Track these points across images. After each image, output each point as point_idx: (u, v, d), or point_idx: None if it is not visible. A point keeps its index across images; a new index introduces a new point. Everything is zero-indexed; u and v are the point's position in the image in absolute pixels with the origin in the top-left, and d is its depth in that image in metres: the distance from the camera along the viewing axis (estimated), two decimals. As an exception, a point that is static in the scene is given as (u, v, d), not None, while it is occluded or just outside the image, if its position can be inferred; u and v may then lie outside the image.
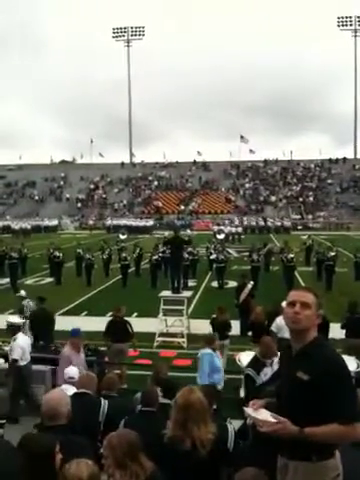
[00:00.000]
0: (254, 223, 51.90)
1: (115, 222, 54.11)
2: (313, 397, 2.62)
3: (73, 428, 3.44)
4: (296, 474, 2.68)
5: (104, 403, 4.46)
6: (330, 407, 2.57)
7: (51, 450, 2.73)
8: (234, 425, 3.98)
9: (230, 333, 10.90)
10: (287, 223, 51.65)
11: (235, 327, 12.64)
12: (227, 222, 49.80)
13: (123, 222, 53.34)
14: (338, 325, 10.35)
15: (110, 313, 15.16)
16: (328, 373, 2.59)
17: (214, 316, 10.80)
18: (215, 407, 4.39)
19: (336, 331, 10.10)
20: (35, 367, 8.12)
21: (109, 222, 54.75)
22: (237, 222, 49.91)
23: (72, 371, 5.88)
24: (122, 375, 9.29)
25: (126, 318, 10.47)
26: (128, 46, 74.52)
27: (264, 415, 2.74)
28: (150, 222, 54.27)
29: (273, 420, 2.66)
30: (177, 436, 3.09)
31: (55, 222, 55.70)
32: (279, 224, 51.68)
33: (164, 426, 3.26)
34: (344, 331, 10.34)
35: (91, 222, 56.85)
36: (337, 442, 2.63)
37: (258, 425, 2.73)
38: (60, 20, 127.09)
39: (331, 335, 9.48)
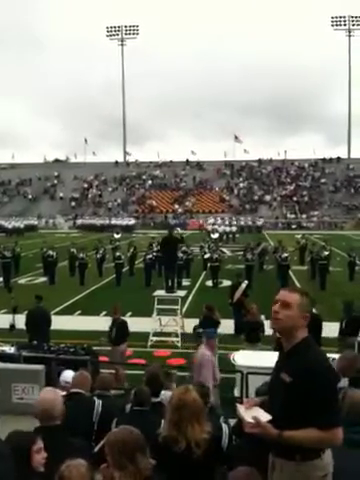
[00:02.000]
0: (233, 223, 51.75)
1: (86, 221, 54.77)
2: (294, 399, 2.61)
3: (67, 428, 3.40)
4: (281, 472, 2.70)
5: (98, 403, 4.43)
6: (310, 411, 2.55)
7: (26, 448, 2.72)
8: (229, 424, 3.97)
9: (223, 332, 10.91)
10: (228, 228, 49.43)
11: (229, 326, 12.67)
12: (219, 221, 49.94)
13: (92, 221, 54.18)
14: (331, 324, 10.36)
15: (104, 312, 15.20)
16: (309, 376, 2.56)
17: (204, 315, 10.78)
18: (210, 406, 4.37)
19: (330, 330, 10.11)
20: (29, 366, 8.07)
21: (80, 221, 55.15)
22: (227, 222, 50.00)
23: (68, 376, 5.74)
24: (121, 375, 9.37)
25: (122, 317, 10.50)
26: (122, 45, 74.43)
27: (256, 413, 2.73)
28: (132, 221, 54.56)
29: (264, 419, 2.66)
30: (172, 436, 3.07)
31: (35, 222, 55.58)
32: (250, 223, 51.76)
33: (157, 425, 3.24)
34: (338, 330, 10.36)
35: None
36: (315, 447, 2.59)
37: (244, 424, 2.74)
38: (54, 19, 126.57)
39: (325, 334, 9.52)
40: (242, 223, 51.69)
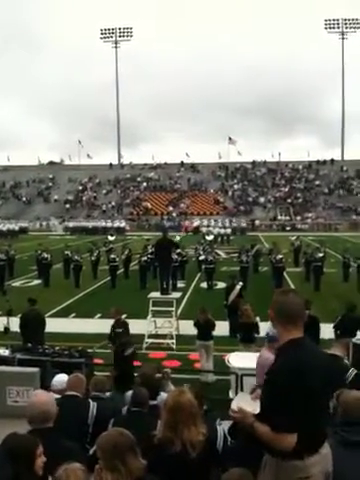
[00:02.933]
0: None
1: (77, 224, 54.92)
2: (263, 396, 2.78)
3: (62, 431, 3.39)
4: (266, 468, 2.77)
5: (93, 405, 4.42)
6: (269, 409, 2.67)
7: (31, 451, 2.70)
8: (224, 426, 3.98)
9: (219, 334, 10.93)
10: (243, 224, 50.97)
11: (224, 328, 12.68)
12: (213, 223, 50.16)
13: (83, 224, 54.40)
14: (325, 325, 10.39)
15: (99, 315, 15.19)
16: (268, 378, 2.71)
17: (198, 318, 10.80)
18: (205, 408, 4.38)
19: (324, 332, 10.14)
20: (24, 369, 8.04)
21: (65, 223, 55.20)
22: (220, 223, 50.16)
23: (61, 380, 5.62)
24: None
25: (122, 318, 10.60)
26: (116, 47, 74.40)
27: (251, 406, 2.91)
28: (123, 223, 54.56)
29: (250, 410, 2.84)
30: (167, 438, 3.07)
31: (26, 224, 55.37)
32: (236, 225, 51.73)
33: (153, 427, 3.24)
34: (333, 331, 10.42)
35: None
36: (268, 445, 2.65)
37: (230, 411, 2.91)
38: (48, 21, 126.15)
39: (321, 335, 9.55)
40: (235, 225, 51.96)
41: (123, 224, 54.04)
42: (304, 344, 2.80)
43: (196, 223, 37.06)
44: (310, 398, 2.63)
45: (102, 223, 54.02)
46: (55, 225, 57.24)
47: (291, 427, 2.57)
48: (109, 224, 53.31)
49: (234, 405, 2.90)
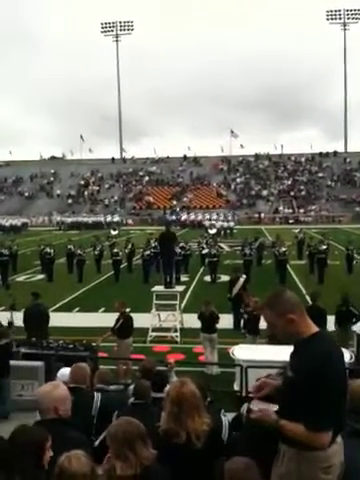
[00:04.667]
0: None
1: (63, 218, 54.96)
2: (291, 395, 2.63)
3: (68, 422, 3.38)
4: (284, 458, 2.71)
5: (97, 397, 4.43)
6: (301, 409, 2.55)
7: (42, 444, 2.69)
8: (228, 417, 3.97)
9: (222, 327, 10.94)
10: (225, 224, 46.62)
11: (228, 321, 12.67)
12: (215, 216, 50.09)
13: (70, 219, 54.40)
14: (329, 317, 10.39)
15: (103, 309, 15.20)
16: (304, 375, 2.54)
17: (202, 310, 10.80)
18: (209, 400, 4.37)
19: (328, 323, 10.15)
20: (28, 363, 8.07)
21: (58, 218, 55.29)
22: (222, 217, 50.03)
23: (66, 373, 5.65)
24: (128, 370, 9.54)
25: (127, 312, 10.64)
26: (117, 41, 74.26)
27: (266, 406, 2.78)
28: (116, 218, 54.56)
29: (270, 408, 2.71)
30: (171, 429, 3.06)
31: (26, 220, 55.33)
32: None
33: (157, 419, 3.24)
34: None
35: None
36: (302, 443, 2.58)
37: (250, 411, 2.77)
38: (49, 15, 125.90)
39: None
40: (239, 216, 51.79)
41: (116, 218, 53.99)
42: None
43: (213, 228, 36.64)
44: (343, 393, 2.62)
45: (98, 218, 54.17)
46: (58, 220, 57.23)
47: (329, 425, 2.53)
48: (102, 218, 53.58)
49: (254, 406, 2.80)
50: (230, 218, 49.56)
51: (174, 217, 53.42)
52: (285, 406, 2.69)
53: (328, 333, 2.79)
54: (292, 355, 2.79)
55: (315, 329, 2.72)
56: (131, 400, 4.39)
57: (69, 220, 54.33)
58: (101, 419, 4.15)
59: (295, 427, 2.57)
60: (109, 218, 53.76)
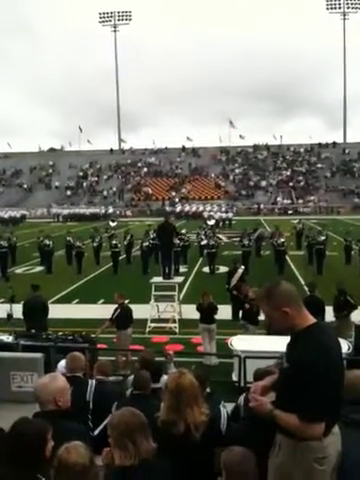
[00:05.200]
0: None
1: (59, 210, 54.92)
2: (286, 385, 2.65)
3: (67, 413, 3.40)
4: (280, 448, 2.74)
5: (91, 382, 4.49)
6: (295, 399, 2.56)
7: (44, 435, 2.70)
8: (227, 408, 4.00)
9: (221, 318, 10.96)
10: (224, 215, 45.94)
11: (227, 312, 12.70)
12: (216, 208, 50.00)
13: (66, 211, 54.31)
14: (327, 308, 10.42)
15: (102, 300, 15.22)
16: (299, 366, 2.56)
17: (200, 301, 10.83)
18: (208, 391, 4.39)
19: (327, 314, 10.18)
20: (27, 355, 8.09)
21: (54, 210, 55.21)
22: (223, 208, 49.95)
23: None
24: (127, 361, 9.57)
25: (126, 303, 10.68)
26: (115, 31, 73.78)
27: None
28: (111, 209, 54.53)
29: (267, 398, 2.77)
30: (170, 419, 3.09)
31: (25, 212, 55.21)
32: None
33: (157, 409, 3.26)
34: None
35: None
36: (295, 434, 2.60)
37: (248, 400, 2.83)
38: (47, 6, 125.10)
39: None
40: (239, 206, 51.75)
41: (111, 210, 53.93)
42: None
43: (211, 219, 36.36)
44: (340, 384, 2.62)
45: (91, 210, 54.14)
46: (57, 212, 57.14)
47: (323, 416, 2.54)
48: (96, 210, 53.53)
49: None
50: (229, 209, 49.52)
51: (174, 208, 53.39)
52: (281, 397, 2.73)
53: (326, 324, 2.80)
54: (288, 346, 2.81)
55: (312, 320, 2.72)
56: (130, 391, 4.42)
57: (65, 212, 54.23)
58: (97, 408, 4.18)
59: (288, 417, 2.59)
60: (103, 210, 53.71)
